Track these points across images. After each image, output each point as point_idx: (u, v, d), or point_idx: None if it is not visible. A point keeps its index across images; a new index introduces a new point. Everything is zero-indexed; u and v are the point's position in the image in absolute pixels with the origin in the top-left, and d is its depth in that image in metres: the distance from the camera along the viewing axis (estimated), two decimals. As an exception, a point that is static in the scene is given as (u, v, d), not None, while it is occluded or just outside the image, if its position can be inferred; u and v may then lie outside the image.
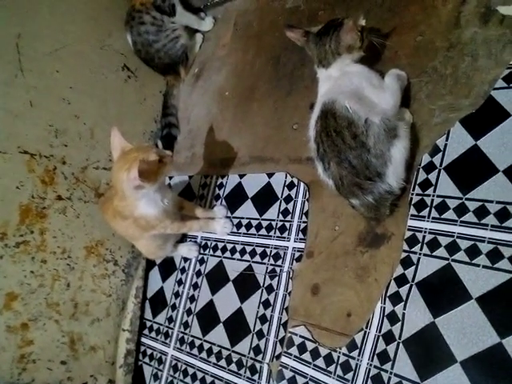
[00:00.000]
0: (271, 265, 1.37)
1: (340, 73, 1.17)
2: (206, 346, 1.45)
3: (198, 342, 1.49)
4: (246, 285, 1.41)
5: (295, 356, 1.22)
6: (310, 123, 1.17)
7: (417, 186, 1.13)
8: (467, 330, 0.96)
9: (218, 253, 1.54)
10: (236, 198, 1.56)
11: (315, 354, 1.19)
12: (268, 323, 1.32)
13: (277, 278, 1.34)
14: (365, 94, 1.09)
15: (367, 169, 1.04)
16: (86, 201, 1.61)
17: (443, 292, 1.02)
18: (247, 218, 1.50)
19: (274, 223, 1.42)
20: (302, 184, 1.38)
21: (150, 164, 1.21)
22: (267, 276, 1.37)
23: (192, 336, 1.51)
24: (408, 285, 1.07)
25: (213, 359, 1.42)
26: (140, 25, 1.83)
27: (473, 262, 0.99)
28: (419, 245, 1.08)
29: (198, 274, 1.57)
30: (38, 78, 1.53)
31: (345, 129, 1.05)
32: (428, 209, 1.09)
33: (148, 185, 1.23)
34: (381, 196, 1.06)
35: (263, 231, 1.43)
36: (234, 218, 1.54)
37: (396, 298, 1.08)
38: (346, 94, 1.07)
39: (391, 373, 1.04)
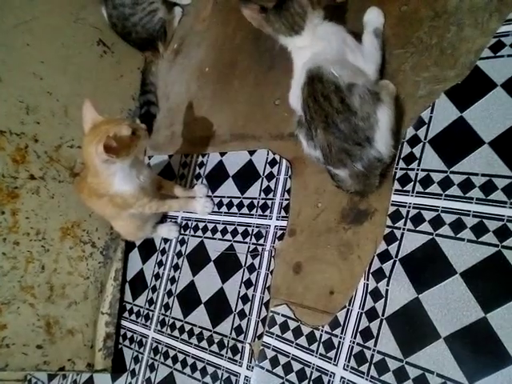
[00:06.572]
0: (253, 244, 1.34)
1: (314, 36, 1.11)
2: (187, 327, 1.42)
3: (178, 324, 1.45)
4: (228, 265, 1.38)
5: (277, 335, 1.20)
6: (290, 98, 1.14)
7: (401, 160, 1.10)
8: (451, 306, 0.94)
9: (199, 233, 1.50)
10: (217, 176, 1.51)
11: (297, 332, 1.16)
12: (250, 303, 1.29)
13: (259, 257, 1.31)
14: (347, 58, 1.07)
15: (355, 133, 1.00)
16: (61, 180, 1.54)
17: (427, 267, 1.00)
18: (228, 197, 1.45)
19: (255, 201, 1.38)
20: (284, 161, 1.34)
21: (119, 138, 1.15)
22: (249, 255, 1.33)
23: (173, 318, 1.48)
24: (391, 261, 1.05)
25: (194, 341, 1.39)
26: (115, -3, 1.75)
27: (457, 236, 0.97)
28: (403, 220, 1.06)
29: (179, 254, 1.53)
30: (6, 51, 1.44)
31: (332, 93, 1.01)
32: (412, 183, 1.06)
33: (119, 159, 1.18)
34: (370, 163, 1.03)
35: (245, 210, 1.40)
36: (215, 197, 1.50)
37: (379, 275, 1.06)
38: (329, 61, 1.04)
39: (374, 350, 1.02)
